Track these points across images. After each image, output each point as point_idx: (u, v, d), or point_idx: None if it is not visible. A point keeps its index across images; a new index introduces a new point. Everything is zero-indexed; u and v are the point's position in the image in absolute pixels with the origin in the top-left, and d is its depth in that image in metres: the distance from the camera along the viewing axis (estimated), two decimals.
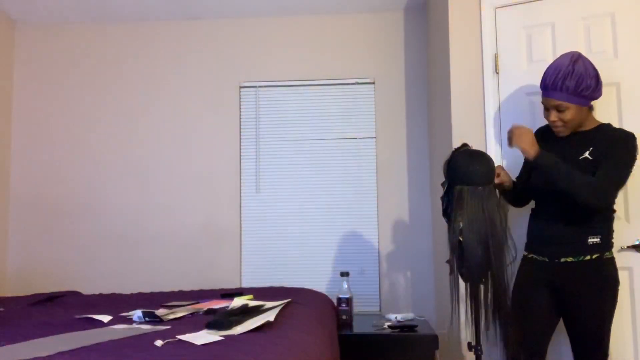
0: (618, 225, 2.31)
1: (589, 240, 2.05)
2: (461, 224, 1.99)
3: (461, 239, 1.99)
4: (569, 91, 2.02)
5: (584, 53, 2.45)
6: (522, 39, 2.59)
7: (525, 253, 2.24)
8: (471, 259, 1.97)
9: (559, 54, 2.49)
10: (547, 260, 2.13)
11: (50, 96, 3.70)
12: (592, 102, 2.12)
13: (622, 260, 2.29)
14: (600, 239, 2.05)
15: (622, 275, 2.29)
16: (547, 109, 2.11)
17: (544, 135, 2.24)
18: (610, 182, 1.97)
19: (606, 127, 2.11)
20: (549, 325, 2.15)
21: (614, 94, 2.37)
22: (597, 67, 2.44)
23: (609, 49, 2.40)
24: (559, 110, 2.07)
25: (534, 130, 2.32)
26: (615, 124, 2.35)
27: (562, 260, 2.08)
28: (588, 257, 2.05)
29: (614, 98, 2.37)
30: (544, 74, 2.11)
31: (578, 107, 2.06)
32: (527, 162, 2.23)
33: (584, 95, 2.03)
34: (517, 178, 2.34)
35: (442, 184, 2.14)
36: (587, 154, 2.06)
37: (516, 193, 2.31)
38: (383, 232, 3.48)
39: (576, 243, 2.06)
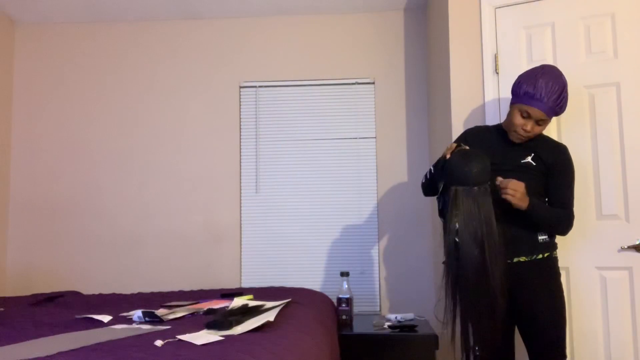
0: (618, 225, 2.32)
1: (539, 237, 2.11)
2: (457, 225, 1.97)
3: (457, 240, 1.97)
4: (554, 109, 2.05)
5: (583, 53, 2.46)
6: (522, 39, 2.59)
7: None
8: (467, 260, 1.95)
9: (559, 54, 2.49)
10: None
11: (50, 96, 3.70)
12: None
13: (622, 260, 2.30)
14: (547, 236, 2.12)
15: (622, 275, 2.30)
16: (523, 117, 2.07)
17: (477, 136, 2.24)
18: (572, 209, 2.12)
19: (543, 136, 2.18)
20: (507, 331, 2.14)
21: (614, 94, 2.37)
22: (597, 67, 2.45)
23: (609, 49, 2.40)
24: (539, 122, 2.07)
25: (463, 132, 2.32)
26: (615, 124, 2.36)
27: (515, 260, 2.10)
28: (540, 256, 2.10)
29: (614, 98, 2.37)
30: (533, 84, 2.03)
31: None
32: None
33: (557, 111, 2.08)
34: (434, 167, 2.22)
35: (438, 184, 2.12)
36: (529, 159, 2.12)
37: (432, 184, 2.23)
38: (383, 232, 3.48)
39: (528, 242, 2.10)
